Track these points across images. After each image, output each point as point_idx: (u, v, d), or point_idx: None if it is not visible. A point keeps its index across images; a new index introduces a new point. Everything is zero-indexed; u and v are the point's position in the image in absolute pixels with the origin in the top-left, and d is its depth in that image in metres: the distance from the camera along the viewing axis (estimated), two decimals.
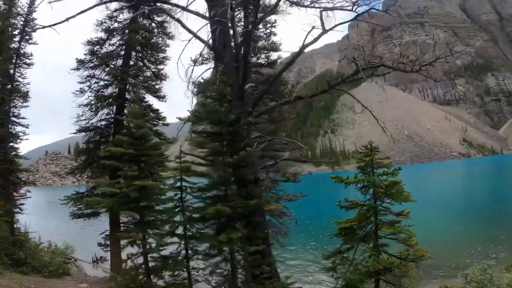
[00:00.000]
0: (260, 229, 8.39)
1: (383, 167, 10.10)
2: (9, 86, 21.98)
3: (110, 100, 18.81)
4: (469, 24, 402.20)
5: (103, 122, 20.08)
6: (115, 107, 19.66)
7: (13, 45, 22.21)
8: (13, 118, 21.86)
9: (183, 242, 8.24)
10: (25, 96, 21.90)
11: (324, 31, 10.05)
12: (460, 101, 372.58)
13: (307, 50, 11.11)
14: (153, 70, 20.40)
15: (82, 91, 19.79)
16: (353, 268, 9.81)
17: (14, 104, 21.87)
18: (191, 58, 16.67)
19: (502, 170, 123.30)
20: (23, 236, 20.53)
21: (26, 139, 21.84)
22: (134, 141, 8.80)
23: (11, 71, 22.25)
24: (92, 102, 19.14)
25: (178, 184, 8.55)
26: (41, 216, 45.22)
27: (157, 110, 20.07)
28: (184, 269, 8.19)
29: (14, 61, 22.35)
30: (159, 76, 20.45)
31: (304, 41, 10.10)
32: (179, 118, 18.94)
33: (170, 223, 8.40)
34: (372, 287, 10.12)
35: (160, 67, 20.42)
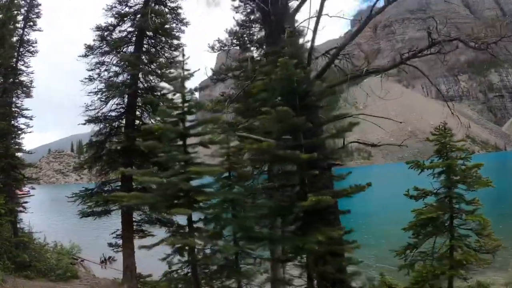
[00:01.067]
0: (339, 227, 6.70)
1: (458, 151, 8.86)
2: (11, 77, 20.49)
3: (122, 88, 17.20)
4: (472, 19, 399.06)
5: (114, 113, 18.60)
6: (126, 96, 18.10)
7: (16, 32, 20.73)
8: (16, 109, 20.39)
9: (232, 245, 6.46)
10: (28, 86, 20.38)
11: None
12: (463, 97, 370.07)
13: None
14: (167, 57, 18.76)
15: (91, 79, 18.31)
16: (437, 263, 8.56)
17: (17, 94, 20.38)
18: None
19: (507, 166, 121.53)
20: (27, 237, 19.08)
21: (30, 132, 20.43)
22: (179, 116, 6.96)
23: (14, 60, 20.77)
24: (103, 89, 17.58)
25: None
26: (45, 215, 43.74)
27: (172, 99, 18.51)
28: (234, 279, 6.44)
29: (17, 49, 20.87)
30: (173, 65, 18.70)
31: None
32: (222, 95, 17.12)
33: (228, 222, 6.50)
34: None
35: (175, 53, 18.77)
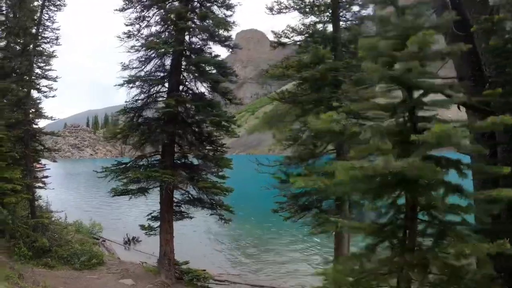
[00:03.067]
0: None
1: None
2: (35, 30, 17.68)
3: (166, 46, 14.23)
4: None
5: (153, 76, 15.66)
6: (170, 56, 15.21)
7: None
8: (38, 71, 17.59)
9: None
10: (53, 43, 17.54)
11: None
12: None
13: None
14: (219, 15, 15.65)
15: (129, 35, 15.41)
16: None
17: (40, 51, 17.58)
18: None
19: None
20: (46, 218, 16.41)
21: (53, 96, 17.59)
22: None
23: (38, 14, 17.94)
24: (144, 48, 14.71)
25: None
26: (60, 190, 41.40)
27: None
28: None
29: (41, 2, 18.03)
30: (227, 24, 15.60)
31: None
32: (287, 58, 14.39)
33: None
34: None
35: (228, 12, 15.74)
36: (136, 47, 14.95)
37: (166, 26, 15.34)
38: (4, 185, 14.01)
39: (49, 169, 27.23)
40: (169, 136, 14.52)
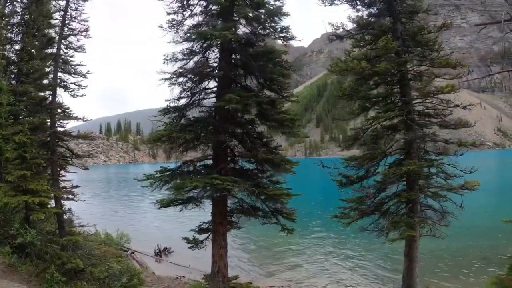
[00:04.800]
0: None
1: None
2: (60, 21, 15.73)
3: (219, 35, 11.95)
4: (507, 8, 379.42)
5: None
6: (218, 48, 13.07)
7: None
8: (63, 65, 15.59)
9: None
10: (82, 35, 15.50)
11: None
12: (495, 89, 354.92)
13: None
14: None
15: (172, 25, 13.29)
16: None
17: (66, 44, 15.56)
18: None
19: None
20: (78, 236, 14.21)
21: (82, 95, 15.53)
22: None
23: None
24: (194, 37, 12.60)
25: None
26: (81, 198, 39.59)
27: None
28: None
29: None
30: (283, 13, 13.25)
31: None
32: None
33: None
34: None
35: (278, 3, 13.45)
36: (184, 37, 13.00)
37: (215, 16, 13.18)
38: (30, 198, 11.94)
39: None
40: (227, 137, 12.53)
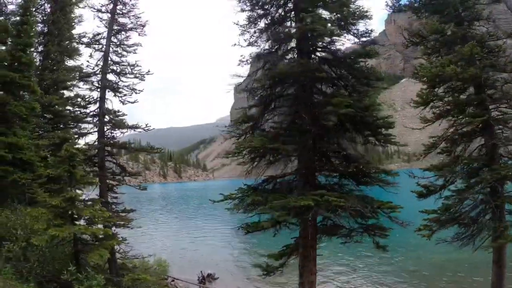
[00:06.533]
0: None
1: None
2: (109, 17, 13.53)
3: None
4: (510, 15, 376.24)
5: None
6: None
7: None
8: (114, 67, 13.22)
9: None
10: (136, 30, 13.23)
11: None
12: None
13: None
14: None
15: (243, 10, 11.81)
16: None
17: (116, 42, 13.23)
18: None
19: None
20: (144, 274, 11.45)
21: (134, 102, 13.11)
22: None
23: None
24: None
25: None
26: None
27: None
28: None
29: None
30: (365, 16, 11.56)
31: None
32: None
33: None
34: None
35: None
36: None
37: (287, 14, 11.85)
38: (88, 229, 9.27)
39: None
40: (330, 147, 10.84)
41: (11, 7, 18.96)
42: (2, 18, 17.70)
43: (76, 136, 12.43)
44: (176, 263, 24.09)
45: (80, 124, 17.70)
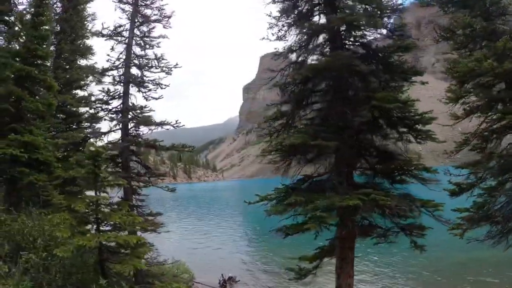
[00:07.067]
0: None
1: None
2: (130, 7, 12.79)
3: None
4: None
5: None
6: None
7: None
8: (137, 61, 12.48)
9: None
10: (161, 21, 12.50)
11: None
12: None
13: None
14: None
15: (284, 11, 11.16)
16: None
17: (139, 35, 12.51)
18: None
19: None
20: (172, 281, 10.69)
21: (158, 98, 12.38)
22: None
23: None
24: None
25: None
26: None
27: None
28: None
29: None
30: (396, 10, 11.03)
31: None
32: None
33: None
34: None
35: None
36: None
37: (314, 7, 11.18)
38: (118, 237, 8.48)
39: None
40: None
41: (21, 7, 18.25)
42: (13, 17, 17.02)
43: (98, 133, 11.59)
44: (197, 266, 23.41)
45: (94, 124, 17.05)
